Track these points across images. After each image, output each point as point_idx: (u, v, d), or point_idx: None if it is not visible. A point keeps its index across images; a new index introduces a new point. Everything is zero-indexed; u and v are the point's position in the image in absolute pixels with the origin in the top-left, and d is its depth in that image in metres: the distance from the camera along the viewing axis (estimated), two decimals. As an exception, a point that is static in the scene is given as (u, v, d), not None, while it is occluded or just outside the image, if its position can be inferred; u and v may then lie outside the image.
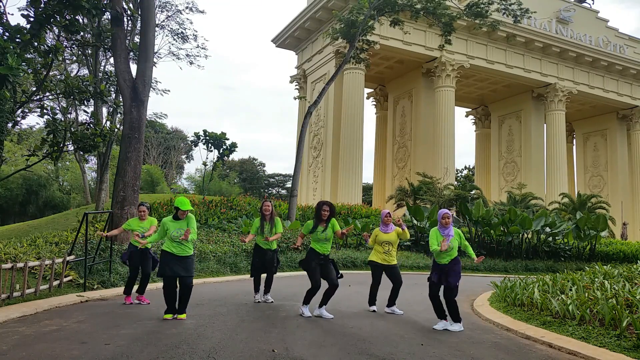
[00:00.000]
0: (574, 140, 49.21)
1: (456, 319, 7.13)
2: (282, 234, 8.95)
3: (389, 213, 8.50)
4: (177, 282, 7.11)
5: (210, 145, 26.62)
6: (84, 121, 18.16)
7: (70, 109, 26.11)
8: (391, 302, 8.43)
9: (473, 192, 31.05)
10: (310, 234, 7.70)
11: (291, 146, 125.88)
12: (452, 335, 6.69)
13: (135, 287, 8.67)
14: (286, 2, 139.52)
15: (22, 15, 10.81)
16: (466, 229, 21.83)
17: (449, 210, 7.78)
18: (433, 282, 7.28)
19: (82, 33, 14.85)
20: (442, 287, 7.21)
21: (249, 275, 9.27)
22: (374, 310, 8.37)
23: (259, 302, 8.76)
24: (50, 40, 17.59)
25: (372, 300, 8.58)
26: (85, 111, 26.58)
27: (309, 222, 7.77)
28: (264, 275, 8.94)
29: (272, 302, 8.82)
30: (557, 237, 22.91)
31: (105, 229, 11.88)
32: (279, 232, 8.73)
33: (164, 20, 27.19)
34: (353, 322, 7.32)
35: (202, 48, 28.54)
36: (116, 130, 17.52)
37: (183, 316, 7.07)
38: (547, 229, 22.14)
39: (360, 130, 31.69)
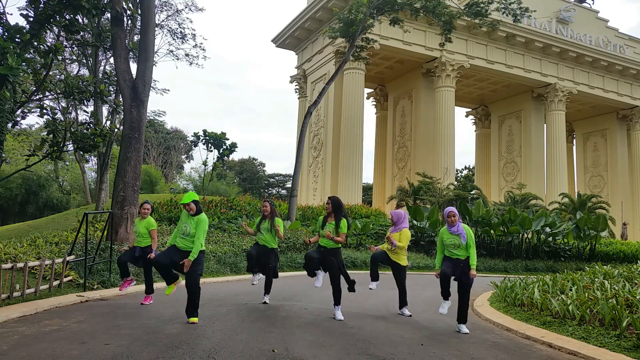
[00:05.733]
0: (574, 140, 49.20)
1: (465, 319, 6.93)
2: (282, 233, 8.74)
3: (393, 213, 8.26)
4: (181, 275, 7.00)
5: (210, 145, 26.62)
6: (84, 121, 18.13)
7: (70, 109, 26.11)
8: (400, 303, 8.12)
9: (473, 192, 31.06)
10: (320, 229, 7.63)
11: (291, 146, 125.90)
12: (452, 336, 6.68)
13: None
14: (286, 2, 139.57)
15: (22, 15, 10.80)
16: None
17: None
18: (446, 273, 6.88)
19: (82, 33, 14.87)
20: (458, 283, 6.86)
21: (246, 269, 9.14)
22: (370, 288, 8.10)
23: (254, 284, 8.72)
24: (50, 40, 17.60)
25: (373, 274, 8.17)
26: (85, 111, 26.53)
27: (320, 217, 7.82)
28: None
29: (265, 302, 8.57)
30: (557, 237, 22.91)
31: (105, 228, 11.86)
32: (279, 227, 8.49)
33: (163, 20, 27.23)
34: (353, 322, 7.31)
35: (202, 49, 28.53)
36: (116, 130, 17.51)
37: (194, 320, 6.69)
38: (547, 229, 22.14)
39: (360, 130, 31.66)
